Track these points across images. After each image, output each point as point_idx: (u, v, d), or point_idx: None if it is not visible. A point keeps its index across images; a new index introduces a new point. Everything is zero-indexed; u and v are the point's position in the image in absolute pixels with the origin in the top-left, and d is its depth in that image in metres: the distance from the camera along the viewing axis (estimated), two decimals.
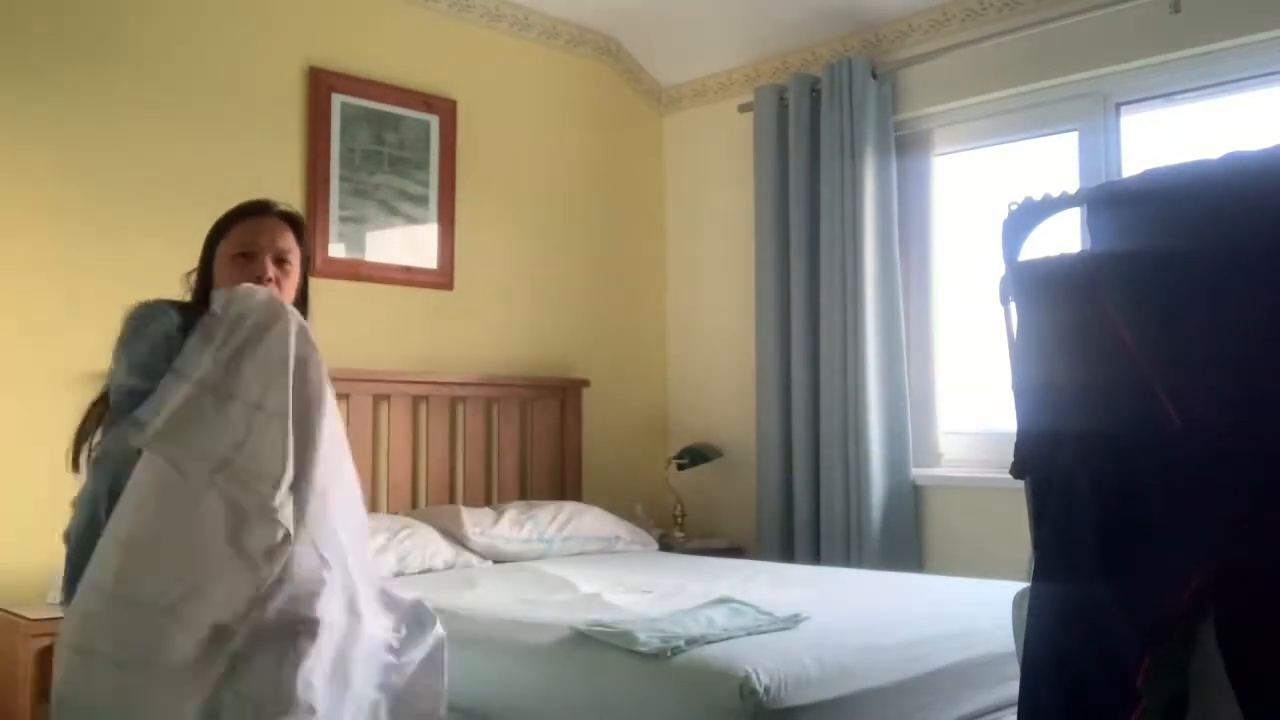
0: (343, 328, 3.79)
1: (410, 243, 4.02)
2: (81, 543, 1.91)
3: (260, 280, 2.08)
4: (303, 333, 1.97)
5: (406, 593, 2.12)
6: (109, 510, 1.89)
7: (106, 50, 3.34)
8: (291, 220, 2.20)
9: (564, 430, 4.33)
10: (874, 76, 4.04)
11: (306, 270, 2.25)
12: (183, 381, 1.89)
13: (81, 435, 2.05)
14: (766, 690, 2.04)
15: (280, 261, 2.14)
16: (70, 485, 3.20)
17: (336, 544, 1.93)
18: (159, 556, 1.83)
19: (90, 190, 3.25)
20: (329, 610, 1.86)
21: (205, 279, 2.16)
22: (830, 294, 4.04)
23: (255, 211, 2.16)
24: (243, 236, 2.12)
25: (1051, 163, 3.82)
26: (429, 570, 3.36)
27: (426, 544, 3.42)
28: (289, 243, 2.16)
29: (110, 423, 1.98)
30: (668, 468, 4.47)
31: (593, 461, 4.42)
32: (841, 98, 4.04)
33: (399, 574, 3.27)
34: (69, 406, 3.18)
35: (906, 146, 4.13)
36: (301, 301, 2.23)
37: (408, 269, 3.99)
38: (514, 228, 4.33)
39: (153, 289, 2.13)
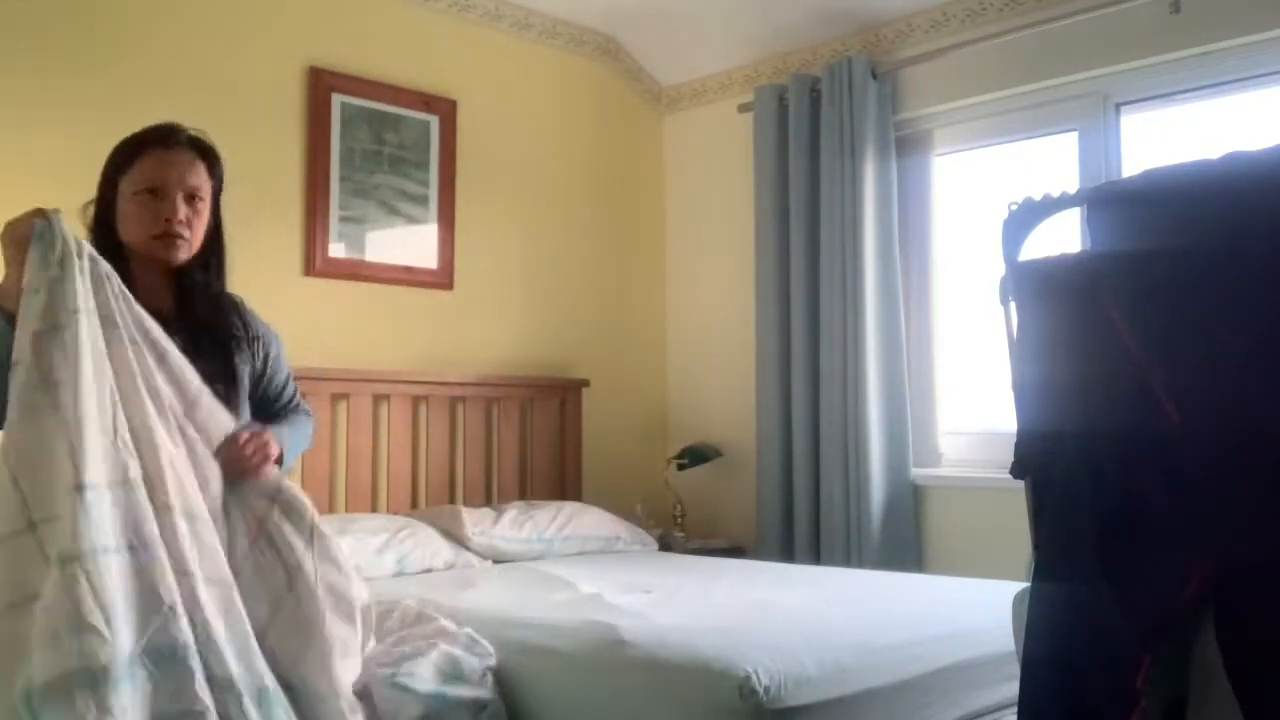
0: (343, 328, 3.80)
1: (410, 243, 4.01)
2: None
3: (170, 223, 1.97)
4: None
5: None
6: None
7: (107, 50, 3.34)
8: (203, 150, 2.04)
9: (564, 430, 4.33)
10: (874, 76, 4.04)
11: (218, 205, 2.10)
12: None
13: None
14: (766, 690, 2.04)
15: (191, 199, 2.01)
16: None
17: None
18: None
19: (91, 188, 3.24)
20: None
21: (106, 216, 2.02)
22: (830, 294, 4.04)
23: (161, 140, 2.00)
24: (149, 172, 1.98)
25: (1051, 163, 3.82)
26: (429, 570, 3.36)
27: (426, 544, 3.42)
28: (200, 177, 2.02)
29: None
30: (668, 468, 4.47)
31: (593, 461, 4.42)
32: (841, 98, 4.04)
33: (399, 574, 3.28)
34: None
35: (906, 146, 4.13)
36: (215, 242, 2.10)
37: (408, 269, 3.99)
38: (514, 228, 4.33)
39: None
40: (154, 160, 1.99)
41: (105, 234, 2.04)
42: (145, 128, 2.08)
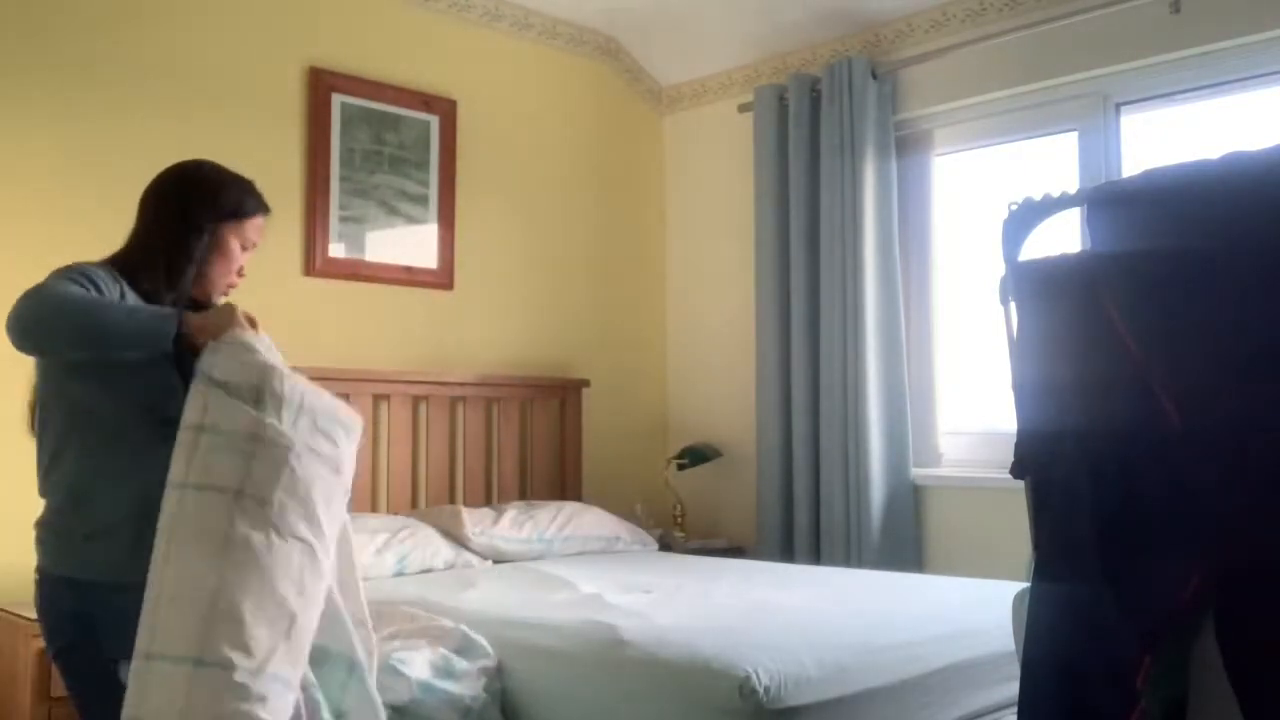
0: (343, 328, 3.80)
1: (410, 243, 4.01)
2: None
3: (238, 275, 2.14)
4: None
5: None
6: None
7: (107, 51, 3.34)
8: None
9: (564, 430, 4.33)
10: (874, 76, 4.04)
11: None
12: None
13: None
14: (766, 690, 2.05)
15: None
16: None
17: None
18: None
19: (90, 189, 3.25)
20: None
21: (194, 243, 2.09)
22: (830, 294, 4.04)
23: (263, 209, 2.17)
24: (255, 234, 2.15)
25: (1051, 163, 3.82)
26: (429, 570, 3.37)
27: (426, 544, 3.43)
28: None
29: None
30: (668, 468, 4.47)
31: (593, 461, 4.42)
32: (841, 98, 4.04)
33: (399, 574, 3.28)
34: None
35: (906, 146, 4.13)
36: None
37: (408, 269, 3.99)
38: (514, 228, 4.33)
39: None
40: (260, 225, 2.16)
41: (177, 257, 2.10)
42: (241, 179, 2.16)
